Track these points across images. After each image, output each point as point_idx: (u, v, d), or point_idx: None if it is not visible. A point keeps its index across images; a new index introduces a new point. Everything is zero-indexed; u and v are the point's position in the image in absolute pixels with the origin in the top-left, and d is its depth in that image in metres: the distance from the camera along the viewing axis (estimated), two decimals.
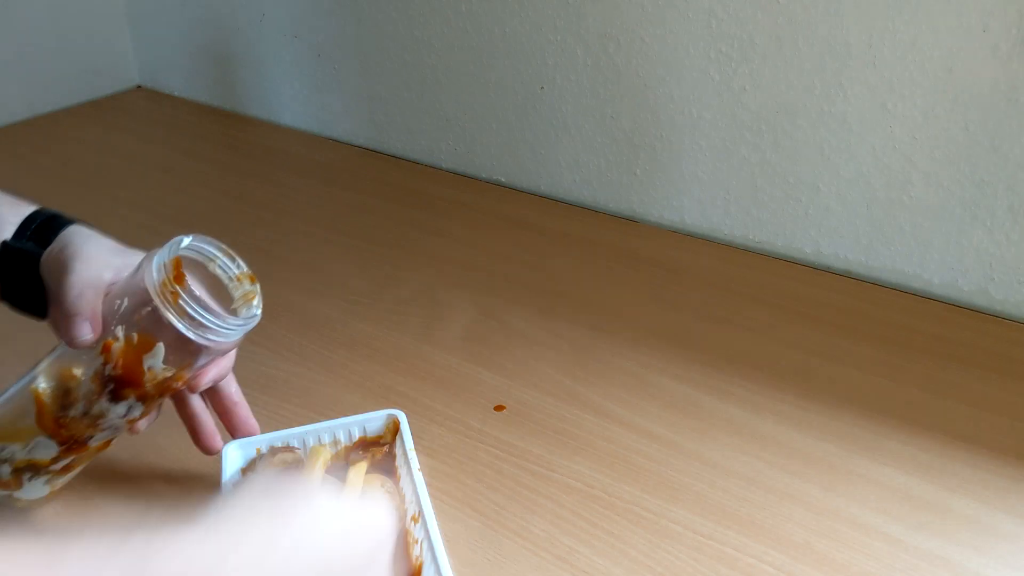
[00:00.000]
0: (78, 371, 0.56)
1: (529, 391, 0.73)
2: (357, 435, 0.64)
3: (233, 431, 0.63)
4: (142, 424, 0.59)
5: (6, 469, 0.59)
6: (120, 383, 0.56)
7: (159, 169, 1.22)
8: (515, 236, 0.99)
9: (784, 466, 0.64)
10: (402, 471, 0.61)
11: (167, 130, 1.38)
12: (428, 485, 0.63)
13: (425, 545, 0.55)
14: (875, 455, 0.65)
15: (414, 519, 0.57)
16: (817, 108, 0.85)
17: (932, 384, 0.72)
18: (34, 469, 0.59)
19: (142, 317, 0.54)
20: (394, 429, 0.64)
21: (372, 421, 0.64)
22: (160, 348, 0.55)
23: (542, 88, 1.03)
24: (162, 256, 0.54)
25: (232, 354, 0.61)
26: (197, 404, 0.62)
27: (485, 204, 1.07)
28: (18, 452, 0.58)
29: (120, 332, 0.55)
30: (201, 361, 0.57)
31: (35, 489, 0.60)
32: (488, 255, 0.95)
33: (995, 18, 0.73)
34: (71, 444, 0.58)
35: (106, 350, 0.55)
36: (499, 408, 0.71)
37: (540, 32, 1.01)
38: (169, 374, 0.56)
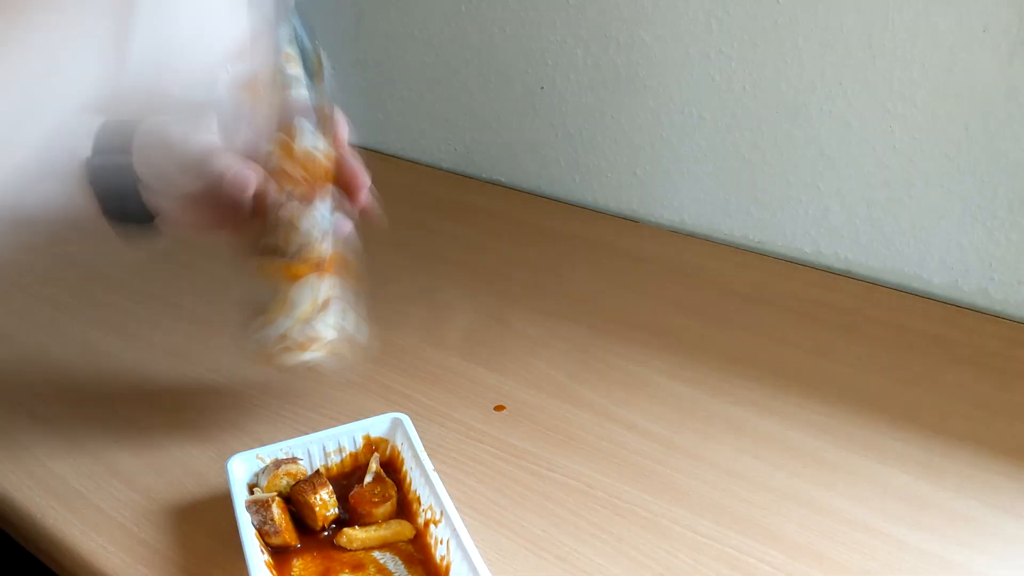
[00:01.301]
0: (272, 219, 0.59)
1: (529, 391, 0.73)
2: (361, 440, 0.64)
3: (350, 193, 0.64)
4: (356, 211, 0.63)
5: (297, 336, 0.62)
6: (306, 181, 0.59)
7: None
8: (515, 236, 0.99)
9: (784, 466, 0.64)
10: (413, 474, 0.61)
11: None
12: None
13: (453, 543, 0.55)
14: (875, 455, 0.65)
15: (434, 521, 0.57)
16: (817, 108, 0.85)
17: (932, 384, 0.72)
18: (311, 316, 0.62)
19: (275, 120, 0.58)
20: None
21: (376, 425, 0.64)
22: (304, 123, 0.58)
23: (542, 88, 1.03)
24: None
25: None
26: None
27: (485, 204, 1.07)
28: (289, 318, 0.62)
29: (266, 145, 0.58)
30: (329, 115, 0.61)
31: (328, 331, 0.63)
32: (488, 255, 0.95)
33: (995, 18, 0.73)
34: (316, 266, 0.61)
35: (274, 165, 0.58)
36: (499, 408, 0.71)
37: (540, 32, 1.01)
38: (325, 142, 0.59)
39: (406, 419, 0.63)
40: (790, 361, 0.75)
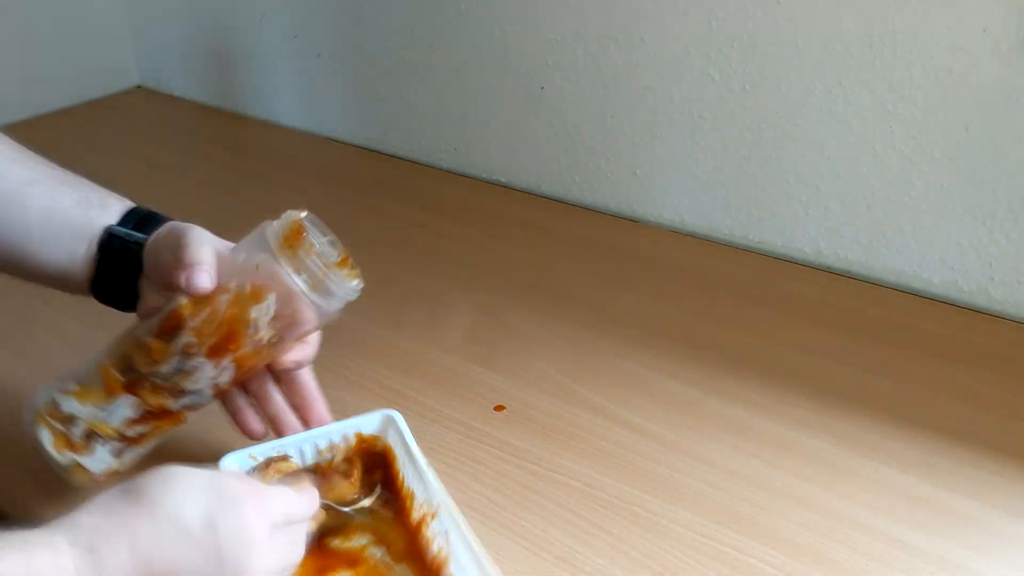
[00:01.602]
0: (172, 331, 0.57)
1: (529, 391, 0.73)
2: (353, 438, 0.64)
3: (307, 423, 0.63)
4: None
5: (78, 430, 0.59)
6: (223, 338, 0.57)
7: (159, 169, 1.22)
8: (515, 236, 0.99)
9: (784, 466, 0.64)
10: (407, 471, 0.61)
11: (167, 130, 1.38)
12: None
13: (454, 535, 0.55)
14: (875, 455, 0.65)
15: (430, 515, 0.57)
16: (817, 108, 0.85)
17: (932, 384, 0.72)
18: (106, 434, 0.59)
19: (259, 268, 0.56)
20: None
21: (367, 423, 0.64)
22: (271, 299, 0.56)
23: (542, 88, 1.03)
24: (282, 221, 0.57)
25: (314, 343, 0.62)
26: (241, 399, 0.63)
27: (485, 204, 1.07)
28: (95, 413, 0.58)
29: (233, 284, 0.56)
30: (301, 327, 0.58)
31: (102, 458, 0.60)
32: (488, 255, 0.95)
33: (995, 18, 0.73)
34: (150, 408, 0.59)
35: (212, 299, 0.56)
36: (499, 408, 0.71)
37: (540, 32, 1.01)
38: (270, 334, 0.57)
39: (398, 416, 0.63)
40: (790, 361, 0.75)
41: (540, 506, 0.62)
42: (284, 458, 0.62)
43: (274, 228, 0.57)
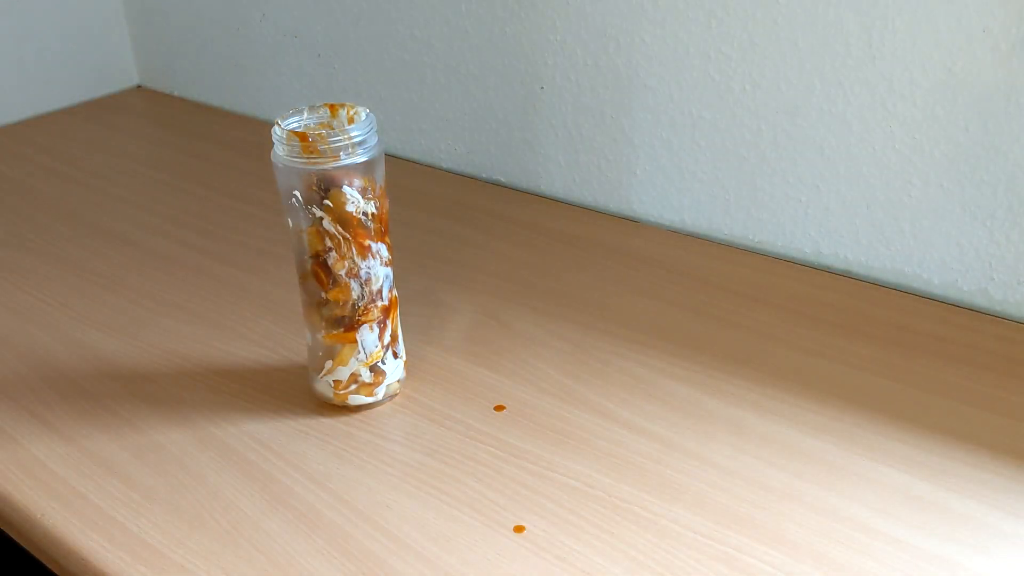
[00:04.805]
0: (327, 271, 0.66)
1: (529, 391, 0.73)
2: None
3: None
4: None
5: (366, 373, 0.69)
6: (355, 240, 0.65)
7: (159, 169, 1.22)
8: (515, 236, 0.99)
9: (784, 466, 0.64)
10: None
11: (167, 130, 1.38)
12: (427, 485, 0.63)
13: None
14: (875, 455, 0.65)
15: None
16: (817, 108, 0.85)
17: (932, 384, 0.72)
18: (378, 358, 0.69)
19: (314, 189, 0.63)
20: None
21: None
22: (349, 191, 0.63)
23: (542, 88, 1.03)
24: (278, 140, 0.64)
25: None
26: None
27: (485, 204, 1.07)
28: (357, 357, 0.68)
29: (316, 211, 0.63)
30: (377, 174, 0.65)
31: (393, 369, 0.71)
32: (488, 255, 0.95)
33: (995, 18, 0.73)
34: (377, 315, 0.68)
35: (314, 234, 0.64)
36: (499, 408, 0.71)
37: (540, 32, 1.01)
38: (374, 202, 0.65)
39: None
40: (790, 361, 0.75)
41: (540, 506, 0.62)
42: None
43: (276, 150, 0.64)
